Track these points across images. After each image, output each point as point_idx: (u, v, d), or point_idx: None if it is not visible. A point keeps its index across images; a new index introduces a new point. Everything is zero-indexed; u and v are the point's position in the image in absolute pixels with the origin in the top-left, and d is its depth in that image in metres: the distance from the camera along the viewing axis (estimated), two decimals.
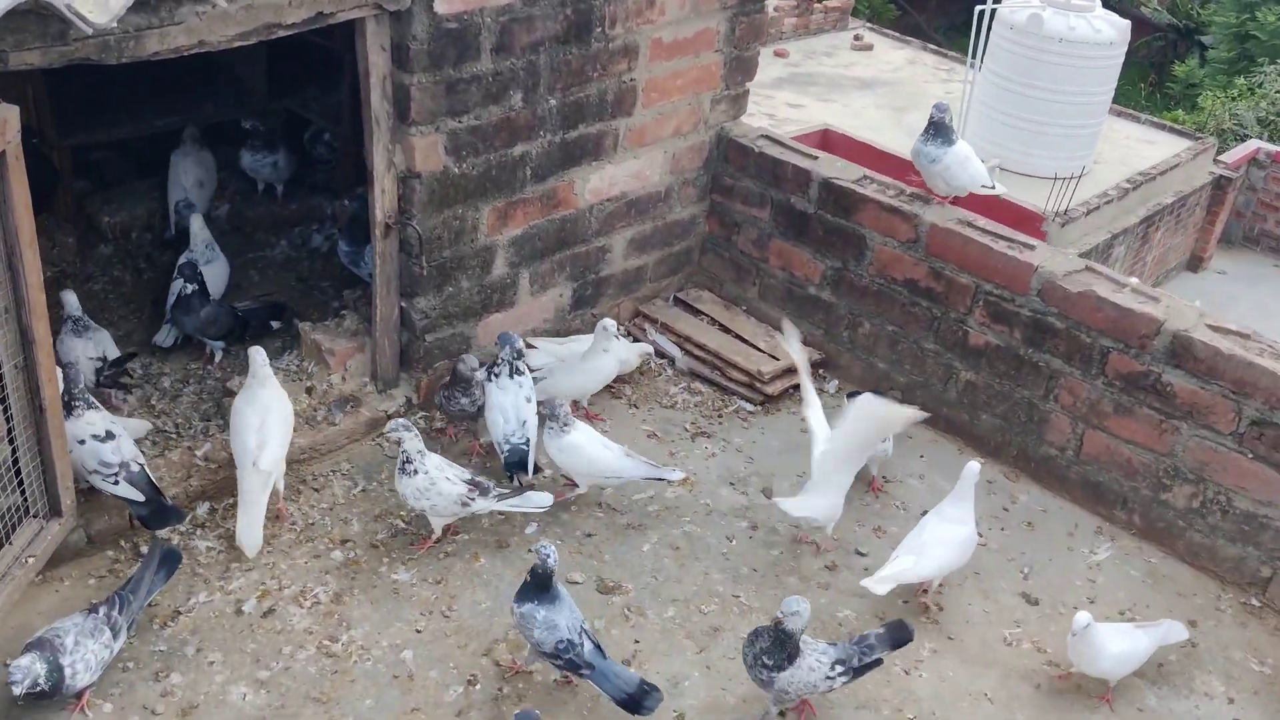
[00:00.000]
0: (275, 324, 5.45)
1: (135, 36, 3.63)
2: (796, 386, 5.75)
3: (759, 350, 5.83)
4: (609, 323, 5.15)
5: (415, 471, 4.37)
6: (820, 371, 5.90)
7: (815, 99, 12.51)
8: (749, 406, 5.63)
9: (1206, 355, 4.67)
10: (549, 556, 3.80)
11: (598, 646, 3.90)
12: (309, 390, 5.03)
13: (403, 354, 5.20)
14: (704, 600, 4.50)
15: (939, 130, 5.25)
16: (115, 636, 3.81)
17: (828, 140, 12.66)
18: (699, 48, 5.56)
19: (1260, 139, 17.31)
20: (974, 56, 12.51)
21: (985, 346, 5.32)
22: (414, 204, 4.78)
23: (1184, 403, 4.79)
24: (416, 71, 4.48)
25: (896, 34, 16.24)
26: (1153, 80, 23.53)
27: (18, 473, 3.96)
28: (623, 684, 3.84)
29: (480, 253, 5.14)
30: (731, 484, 5.13)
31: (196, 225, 5.65)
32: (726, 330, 6.00)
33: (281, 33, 4.04)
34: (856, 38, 15.51)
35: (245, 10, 3.87)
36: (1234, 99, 20.03)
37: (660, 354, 5.87)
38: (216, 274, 5.64)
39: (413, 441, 4.38)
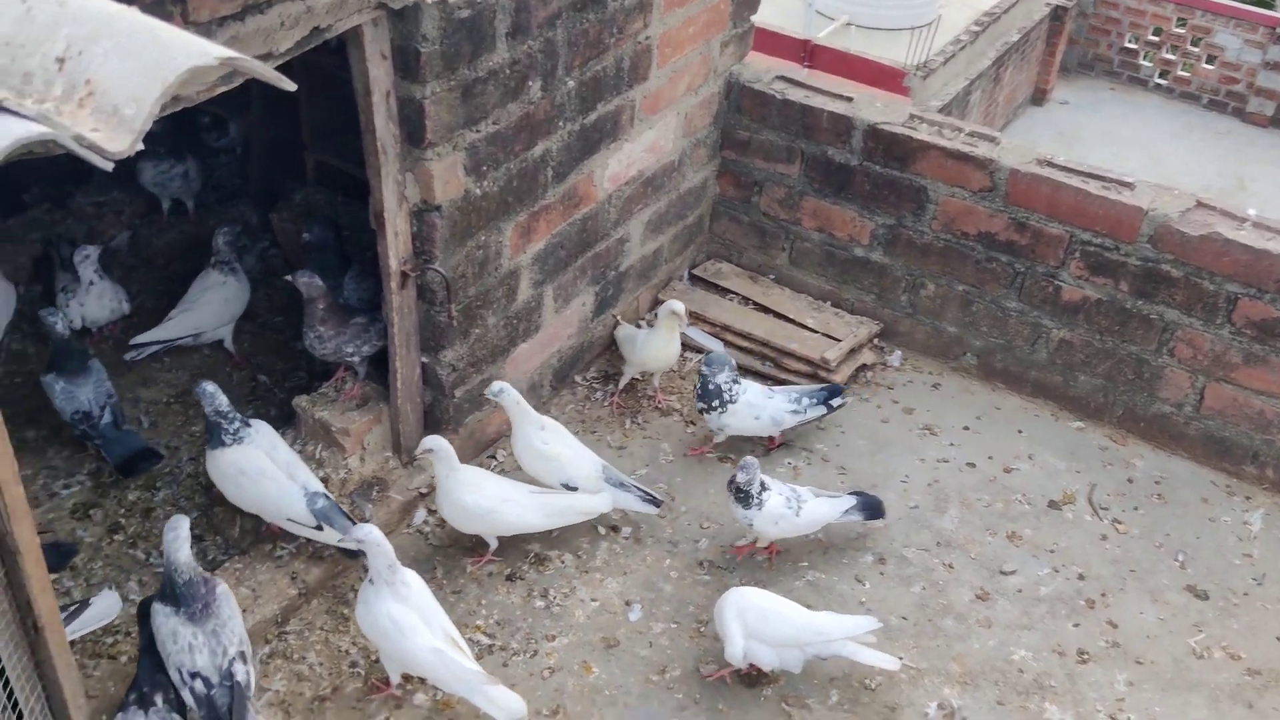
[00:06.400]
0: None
1: None
2: (862, 368, 5.06)
3: (810, 330, 5.06)
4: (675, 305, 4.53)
5: None
6: (877, 343, 5.19)
7: None
8: None
9: None
10: (56, 323, 4.00)
11: (117, 421, 4.07)
12: (324, 481, 4.02)
13: (426, 416, 4.24)
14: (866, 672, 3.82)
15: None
16: None
17: None
18: None
19: None
20: None
21: (1083, 302, 4.68)
22: (434, 243, 3.77)
23: None
24: (429, 80, 3.44)
25: None
26: None
27: (14, 707, 2.93)
28: (123, 450, 4.02)
29: (505, 280, 4.18)
30: None
31: None
32: (764, 309, 5.20)
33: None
34: None
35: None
36: None
37: (694, 348, 5.05)
38: None
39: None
